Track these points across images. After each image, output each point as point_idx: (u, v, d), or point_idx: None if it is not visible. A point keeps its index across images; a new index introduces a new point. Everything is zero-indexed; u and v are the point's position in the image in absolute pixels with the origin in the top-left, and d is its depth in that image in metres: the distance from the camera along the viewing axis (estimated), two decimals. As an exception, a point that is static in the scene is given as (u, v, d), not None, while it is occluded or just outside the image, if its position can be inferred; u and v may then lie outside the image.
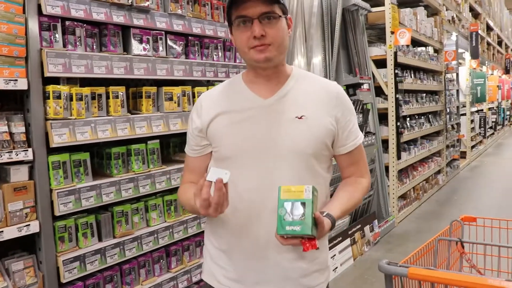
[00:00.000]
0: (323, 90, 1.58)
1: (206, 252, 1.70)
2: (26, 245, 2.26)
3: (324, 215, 1.40)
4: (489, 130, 14.43)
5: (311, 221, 1.29)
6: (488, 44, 14.67)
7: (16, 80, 2.07)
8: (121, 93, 2.55)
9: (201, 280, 1.77)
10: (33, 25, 2.16)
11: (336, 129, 1.55)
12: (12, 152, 2.06)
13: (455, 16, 9.77)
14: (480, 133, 13.03)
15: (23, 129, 2.14)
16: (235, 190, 1.47)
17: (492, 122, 15.44)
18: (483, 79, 12.33)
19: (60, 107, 2.22)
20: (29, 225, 2.11)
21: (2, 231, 2.01)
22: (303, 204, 1.30)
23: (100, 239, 2.45)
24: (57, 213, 2.21)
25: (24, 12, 2.12)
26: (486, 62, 14.16)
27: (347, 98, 1.62)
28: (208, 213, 1.36)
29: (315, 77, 1.65)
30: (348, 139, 1.58)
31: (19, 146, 2.10)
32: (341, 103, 1.58)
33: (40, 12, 2.19)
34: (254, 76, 1.57)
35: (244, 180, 1.50)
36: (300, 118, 1.50)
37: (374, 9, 5.88)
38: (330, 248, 4.26)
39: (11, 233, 2.05)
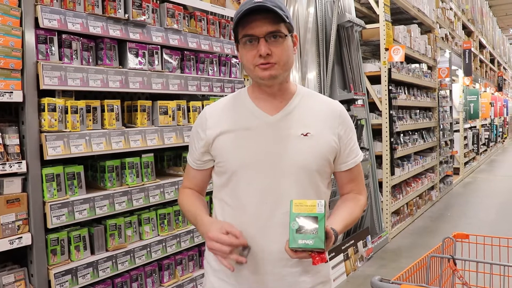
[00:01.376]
0: (327, 109, 1.61)
1: (208, 266, 1.68)
2: (18, 257, 2.24)
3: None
4: (482, 146, 14.52)
5: (324, 235, 1.31)
6: (481, 61, 14.84)
7: (12, 92, 2.07)
8: (116, 106, 2.55)
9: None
10: (30, 38, 2.17)
11: (339, 147, 1.59)
12: (5, 164, 2.05)
13: (448, 33, 9.90)
14: (473, 149, 13.10)
15: (17, 141, 2.13)
16: (240, 203, 1.54)
17: (485, 138, 15.54)
18: (476, 96, 12.45)
19: (55, 120, 2.23)
20: (21, 237, 2.10)
21: (-6, 244, 2.00)
22: (315, 218, 1.32)
23: (92, 252, 2.44)
24: (49, 226, 2.20)
25: (21, 25, 2.14)
26: (479, 79, 14.31)
27: (349, 117, 1.65)
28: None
29: (318, 95, 1.68)
30: (349, 156, 1.62)
31: (13, 158, 2.10)
32: (344, 122, 1.61)
33: (37, 25, 2.20)
34: (259, 93, 1.59)
35: (249, 195, 1.53)
36: (306, 135, 1.54)
37: (368, 26, 5.94)
38: (323, 263, 4.24)
39: (2, 245, 2.03)
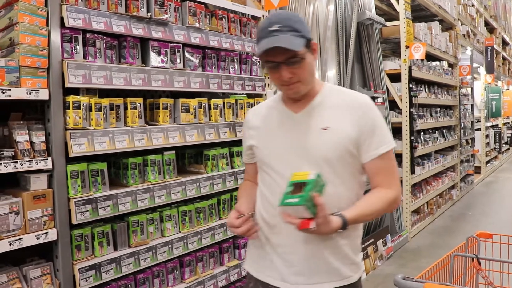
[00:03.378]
0: (349, 102, 1.71)
1: (250, 243, 1.90)
2: (44, 252, 2.29)
3: (335, 214, 1.54)
4: (504, 145, 14.28)
5: (308, 195, 1.41)
6: (504, 58, 14.58)
7: (38, 90, 2.12)
8: (139, 104, 2.58)
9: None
10: (56, 37, 2.21)
11: (360, 138, 1.66)
12: (32, 161, 2.10)
13: (470, 30, 9.75)
14: (495, 148, 12.90)
15: (43, 138, 2.18)
16: (269, 189, 1.74)
17: (508, 137, 15.28)
18: (498, 94, 12.25)
19: (80, 117, 2.26)
20: (47, 233, 2.15)
21: (21, 238, 2.05)
22: (305, 183, 1.45)
23: (115, 248, 2.48)
24: (74, 222, 2.24)
25: (47, 25, 2.18)
26: (502, 76, 14.06)
27: (374, 109, 1.72)
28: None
29: (343, 90, 1.81)
30: (371, 146, 1.67)
31: (39, 155, 2.14)
32: (365, 113, 1.68)
33: (62, 25, 2.24)
34: (288, 98, 1.77)
35: (278, 183, 1.69)
36: (325, 129, 1.66)
37: (388, 23, 5.90)
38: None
39: (29, 240, 2.08)
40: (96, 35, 2.42)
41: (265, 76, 3.46)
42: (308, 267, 1.67)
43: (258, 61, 3.42)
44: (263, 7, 3.52)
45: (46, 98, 2.16)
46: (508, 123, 15.58)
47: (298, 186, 1.47)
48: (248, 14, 3.42)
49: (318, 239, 1.65)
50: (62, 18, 2.23)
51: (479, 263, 2.03)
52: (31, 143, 2.14)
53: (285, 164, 1.69)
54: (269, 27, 1.59)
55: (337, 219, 1.52)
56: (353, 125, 1.66)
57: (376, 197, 1.67)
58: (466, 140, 9.33)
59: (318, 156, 1.65)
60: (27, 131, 2.13)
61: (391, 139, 1.71)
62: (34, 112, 2.39)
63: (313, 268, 1.67)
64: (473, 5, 10.16)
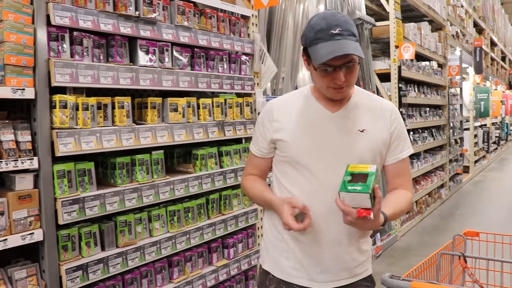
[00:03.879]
0: (381, 107, 1.78)
1: (268, 241, 1.87)
2: (30, 253, 2.26)
3: None
4: (492, 145, 14.41)
5: (371, 185, 1.43)
6: (492, 59, 14.72)
7: (24, 89, 2.09)
8: (127, 103, 2.57)
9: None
10: (42, 35, 2.18)
11: (390, 141, 1.75)
12: (17, 160, 2.07)
13: (459, 31, 9.82)
14: (483, 148, 13.01)
15: (29, 137, 2.15)
16: (300, 190, 1.72)
17: (496, 137, 15.42)
18: (486, 94, 12.36)
19: (66, 117, 2.24)
20: (33, 233, 2.12)
21: (6, 239, 2.02)
22: (366, 174, 1.47)
23: (103, 249, 2.46)
24: (61, 222, 2.21)
25: (33, 23, 2.15)
26: (490, 77, 14.19)
27: (399, 115, 1.82)
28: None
29: (372, 95, 1.86)
30: (396, 149, 1.78)
31: (24, 154, 2.12)
32: (395, 119, 1.77)
33: (48, 23, 2.22)
34: (322, 96, 1.75)
35: (310, 181, 1.70)
36: (362, 131, 1.70)
37: (378, 23, 5.92)
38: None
39: (15, 241, 2.05)
40: (83, 34, 2.40)
41: (254, 76, 3.46)
42: (336, 265, 1.73)
43: (248, 61, 3.41)
44: (252, 6, 3.51)
45: (32, 97, 2.13)
46: (496, 123, 15.73)
47: (358, 177, 1.48)
48: (238, 13, 3.41)
49: (346, 237, 1.71)
50: (48, 16, 2.21)
51: (466, 261, 2.04)
52: (17, 142, 2.11)
53: (319, 162, 1.69)
54: (330, 30, 1.56)
55: (382, 216, 1.57)
56: (386, 129, 1.74)
57: (402, 198, 1.76)
58: (455, 140, 9.40)
59: (354, 157, 1.67)
60: (13, 131, 2.11)
61: (410, 145, 1.84)
62: (19, 111, 2.36)
63: (341, 265, 1.73)
64: (462, 6, 10.25)
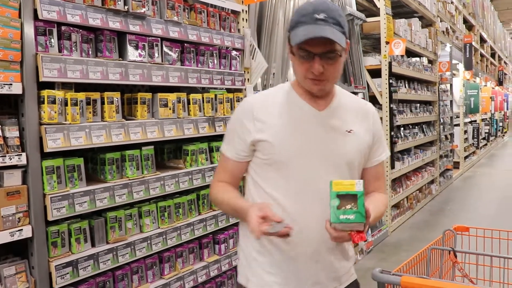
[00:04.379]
0: (363, 108, 1.72)
1: (250, 257, 1.70)
2: (18, 250, 2.24)
3: None
4: (482, 141, 14.52)
5: (364, 211, 1.35)
6: (482, 56, 14.81)
7: (11, 84, 2.06)
8: (116, 99, 2.55)
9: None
10: (29, 30, 2.15)
11: (371, 144, 1.69)
12: (5, 156, 2.05)
13: (449, 27, 9.87)
14: (473, 143, 13.10)
15: (17, 133, 2.13)
16: (284, 194, 1.59)
17: (485, 133, 15.54)
18: (476, 90, 12.43)
19: (55, 112, 2.22)
20: (21, 230, 2.10)
21: (-6, 236, 2.00)
22: (355, 196, 1.37)
23: (93, 245, 2.44)
24: (50, 218, 2.19)
25: (20, 17, 2.12)
26: (480, 73, 14.28)
27: (378, 117, 1.77)
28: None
29: (352, 95, 1.78)
30: (377, 152, 1.72)
31: (12, 150, 2.09)
32: (376, 121, 1.73)
33: (36, 17, 2.19)
34: (305, 91, 1.63)
35: (298, 185, 1.58)
36: (350, 132, 1.62)
37: (369, 19, 5.92)
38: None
39: (3, 237, 2.03)
40: (71, 28, 2.37)
41: (244, 71, 3.45)
42: (328, 274, 1.65)
43: (238, 56, 3.40)
44: (242, 1, 3.49)
45: (20, 92, 2.11)
46: (486, 119, 15.84)
47: (346, 199, 1.37)
48: (228, 8, 3.39)
49: (335, 245, 1.63)
50: (35, 10, 2.18)
51: (456, 256, 2.05)
52: (4, 138, 2.09)
53: (308, 164, 1.58)
54: (314, 14, 1.46)
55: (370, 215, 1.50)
56: (368, 130, 1.68)
57: (380, 202, 1.70)
58: (445, 136, 9.45)
59: (342, 159, 1.60)
60: (0, 126, 2.08)
61: (387, 147, 1.81)
62: (7, 107, 2.33)
63: (332, 274, 1.67)
64: (452, 2, 10.29)
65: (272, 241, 1.60)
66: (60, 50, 2.32)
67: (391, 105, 5.94)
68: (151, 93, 2.77)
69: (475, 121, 13.70)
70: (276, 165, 1.59)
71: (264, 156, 1.61)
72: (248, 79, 3.49)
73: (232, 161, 1.68)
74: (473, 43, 11.77)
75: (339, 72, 1.57)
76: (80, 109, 2.35)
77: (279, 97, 1.66)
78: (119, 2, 2.55)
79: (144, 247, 2.65)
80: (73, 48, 2.38)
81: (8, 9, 2.07)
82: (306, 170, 1.58)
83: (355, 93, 5.24)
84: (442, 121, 8.92)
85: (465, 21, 12.14)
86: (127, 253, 2.55)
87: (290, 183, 1.59)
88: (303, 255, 1.60)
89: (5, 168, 2.09)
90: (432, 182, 8.40)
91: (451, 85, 9.98)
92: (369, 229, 5.27)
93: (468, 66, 11.42)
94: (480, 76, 14.44)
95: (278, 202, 1.59)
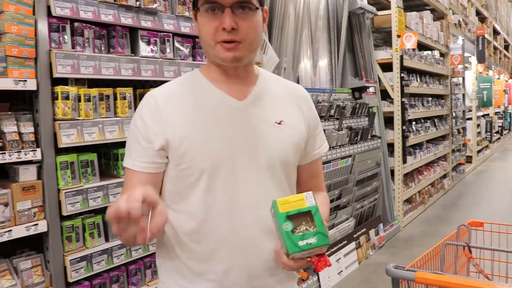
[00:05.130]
0: (294, 93, 1.42)
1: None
2: (34, 244, 2.27)
3: None
4: (495, 134, 14.37)
5: (325, 230, 1.11)
6: (495, 48, 14.63)
7: (26, 80, 2.08)
8: (129, 94, 2.56)
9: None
10: (43, 27, 2.17)
11: (308, 135, 1.40)
12: (21, 152, 2.07)
13: (461, 20, 9.75)
14: (486, 137, 12.98)
15: (31, 129, 2.15)
16: (218, 210, 1.26)
17: (499, 126, 15.37)
18: (489, 83, 12.30)
19: (69, 108, 2.24)
20: (37, 224, 2.13)
21: (11, 230, 2.03)
22: (309, 212, 1.12)
23: (107, 239, 2.46)
24: (64, 213, 2.22)
25: (34, 14, 2.14)
26: (493, 66, 14.11)
27: (312, 102, 1.47)
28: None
29: (280, 78, 1.47)
30: (313, 145, 1.44)
31: (27, 146, 2.11)
32: (310, 108, 1.43)
33: (49, 14, 2.21)
34: (219, 74, 1.32)
35: (228, 195, 1.26)
36: (279, 123, 1.33)
37: (380, 13, 5.87)
38: (335, 251, 4.25)
39: (19, 232, 2.06)
40: (84, 25, 2.39)
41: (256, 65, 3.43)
42: None
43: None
44: (254, -4, 3.48)
45: (34, 88, 2.13)
46: (499, 112, 15.67)
47: (299, 218, 1.12)
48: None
49: (275, 265, 1.25)
50: (49, 7, 2.20)
51: (470, 252, 2.04)
52: (20, 134, 2.11)
53: (231, 172, 1.26)
54: None
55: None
56: (303, 119, 1.39)
57: (325, 204, 1.46)
58: (458, 130, 9.37)
59: (274, 156, 1.30)
60: (15, 122, 2.11)
61: (325, 138, 1.50)
62: (22, 103, 2.36)
63: None
64: (464, -6, 10.16)
65: (203, 265, 1.29)
66: (73, 46, 2.34)
67: (403, 99, 5.89)
68: (163, 89, 2.77)
69: (488, 114, 13.55)
70: (196, 175, 1.25)
71: (179, 164, 1.26)
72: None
73: (140, 174, 1.27)
74: (486, 36, 11.63)
75: (257, 35, 1.26)
76: (93, 104, 2.36)
77: (187, 87, 1.33)
78: (131, -2, 2.55)
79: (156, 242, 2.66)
80: (86, 44, 2.40)
81: (22, 6, 2.09)
82: (232, 180, 1.25)
83: (366, 87, 5.21)
84: (454, 115, 8.84)
85: (478, 13, 11.99)
86: (140, 248, 2.57)
87: (219, 195, 1.25)
88: (247, 276, 1.28)
89: (21, 163, 2.12)
90: (444, 176, 8.34)
91: (463, 79, 9.88)
92: (381, 224, 5.25)
93: (481, 59, 11.29)
94: (493, 69, 14.27)
95: (200, 225, 1.26)
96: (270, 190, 1.28)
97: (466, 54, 10.07)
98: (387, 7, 6.02)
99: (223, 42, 1.22)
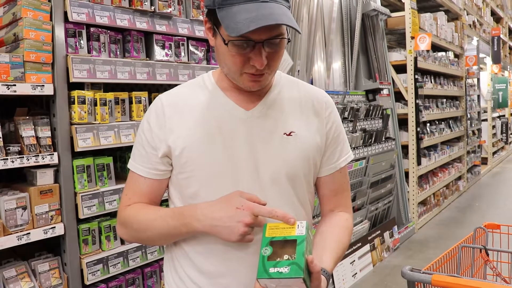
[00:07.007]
0: (312, 100, 1.33)
1: None
2: (52, 247, 2.30)
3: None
4: (511, 136, 14.18)
5: (303, 262, 1.02)
6: (510, 48, 14.45)
7: (43, 85, 2.12)
8: (144, 98, 2.58)
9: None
10: (60, 32, 2.20)
11: (326, 145, 1.32)
12: (38, 156, 2.10)
13: (476, 20, 9.66)
14: (502, 139, 12.82)
15: (49, 133, 2.18)
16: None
17: (514, 127, 15.17)
18: (505, 84, 12.16)
19: (85, 112, 2.27)
20: (54, 227, 2.15)
21: (29, 233, 2.06)
22: (294, 241, 1.05)
23: (122, 242, 2.48)
24: (81, 216, 2.24)
25: (51, 19, 2.18)
26: (508, 66, 13.95)
27: (336, 109, 1.38)
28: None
29: (301, 83, 1.38)
30: (333, 156, 1.35)
31: (45, 150, 2.15)
32: (331, 114, 1.34)
33: (66, 19, 2.24)
34: (230, 86, 1.27)
35: None
36: (289, 134, 1.25)
37: (393, 14, 5.85)
38: (350, 253, 4.24)
39: (37, 235, 2.09)
40: (100, 30, 2.42)
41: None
42: None
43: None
44: None
45: (51, 93, 2.16)
46: (515, 113, 15.46)
47: (281, 246, 1.06)
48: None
49: None
50: (65, 13, 2.23)
51: (487, 254, 2.01)
52: (37, 138, 2.14)
53: (231, 184, 1.20)
54: None
55: (324, 280, 1.13)
56: (319, 129, 1.30)
57: (343, 231, 1.33)
58: (473, 131, 9.28)
59: (279, 170, 1.23)
60: (33, 126, 2.14)
61: (350, 148, 1.40)
62: (39, 107, 2.39)
63: None
64: (479, -5, 10.07)
65: (203, 277, 1.25)
66: (89, 51, 2.37)
67: (417, 101, 5.86)
68: (177, 92, 2.79)
69: (504, 115, 13.39)
70: (192, 188, 1.23)
71: (182, 172, 1.24)
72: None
73: (146, 179, 1.28)
74: (501, 36, 11.50)
75: (280, 60, 1.20)
76: (109, 108, 2.39)
77: (197, 94, 1.28)
78: (146, 3, 2.58)
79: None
80: (101, 49, 2.43)
81: (40, 12, 2.12)
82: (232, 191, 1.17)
83: (380, 89, 5.19)
84: (469, 116, 8.75)
85: (493, 13, 11.87)
86: (156, 250, 2.59)
87: None
88: None
89: (38, 167, 2.15)
90: (459, 178, 8.26)
91: (478, 79, 9.79)
92: (396, 226, 5.21)
93: (496, 60, 11.17)
94: (509, 69, 14.11)
95: (202, 244, 1.24)
96: (275, 206, 1.15)
97: (481, 55, 9.97)
98: (401, 8, 6.00)
99: (251, 74, 1.16)
